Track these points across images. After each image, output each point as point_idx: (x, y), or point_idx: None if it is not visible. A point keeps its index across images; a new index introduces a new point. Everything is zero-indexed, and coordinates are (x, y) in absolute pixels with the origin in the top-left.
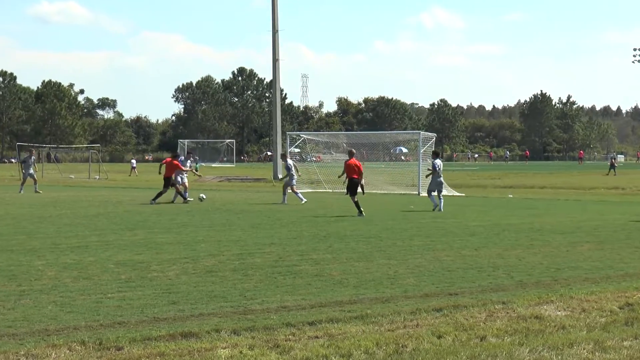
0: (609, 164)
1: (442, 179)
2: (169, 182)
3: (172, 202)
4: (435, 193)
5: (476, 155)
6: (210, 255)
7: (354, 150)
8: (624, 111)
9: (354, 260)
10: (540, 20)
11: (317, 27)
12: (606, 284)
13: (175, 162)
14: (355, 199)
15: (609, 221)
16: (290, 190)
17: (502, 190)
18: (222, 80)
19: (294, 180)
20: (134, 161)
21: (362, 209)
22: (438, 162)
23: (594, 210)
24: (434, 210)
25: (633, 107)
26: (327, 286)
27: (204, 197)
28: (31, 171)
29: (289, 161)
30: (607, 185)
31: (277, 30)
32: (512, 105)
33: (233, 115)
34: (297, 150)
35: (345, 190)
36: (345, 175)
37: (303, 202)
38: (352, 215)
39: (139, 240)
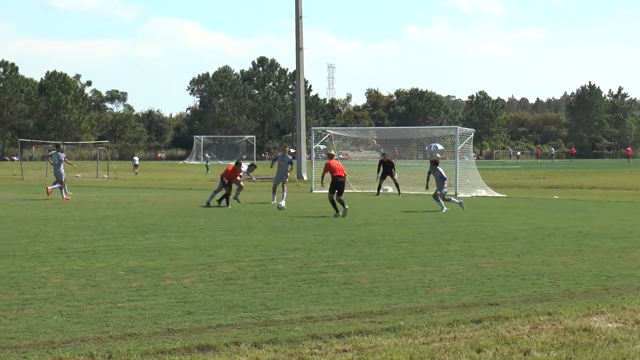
0: None
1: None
2: (230, 185)
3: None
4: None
5: (519, 153)
6: (229, 262)
7: (334, 153)
8: None
9: (385, 267)
10: (587, 3)
11: (344, 13)
12: None
13: (236, 170)
14: (336, 198)
15: None
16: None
17: (546, 191)
18: (241, 71)
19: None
20: (136, 158)
21: (338, 210)
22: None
23: None
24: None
25: None
26: (356, 295)
27: (283, 205)
28: (61, 169)
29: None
30: None
31: (301, 17)
32: (558, 98)
33: (253, 109)
34: (322, 147)
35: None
36: (328, 175)
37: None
38: (384, 218)
39: (152, 244)
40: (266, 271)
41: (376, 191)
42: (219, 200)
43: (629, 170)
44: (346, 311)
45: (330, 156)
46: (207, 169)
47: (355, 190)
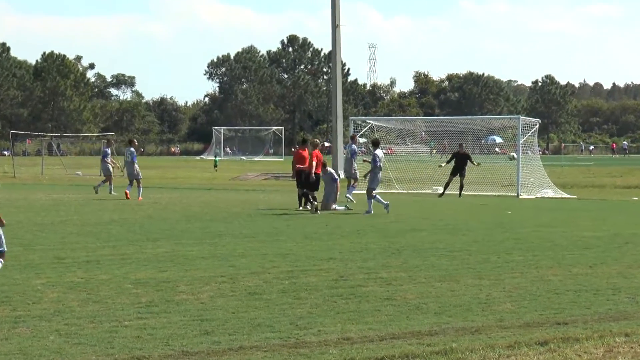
0: None
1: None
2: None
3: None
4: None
5: (591, 147)
6: (253, 273)
7: (316, 141)
8: None
9: (435, 280)
10: None
11: None
12: None
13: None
14: (306, 193)
15: None
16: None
17: (624, 192)
18: (268, 52)
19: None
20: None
21: (303, 205)
22: (379, 153)
23: None
24: (385, 209)
25: None
26: (400, 313)
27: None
28: (109, 166)
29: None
30: None
31: None
32: (638, 82)
33: (282, 96)
34: (362, 140)
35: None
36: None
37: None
38: (434, 223)
39: (164, 253)
40: (296, 284)
41: (442, 190)
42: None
43: None
44: (389, 331)
45: (304, 143)
46: (216, 166)
47: (401, 191)
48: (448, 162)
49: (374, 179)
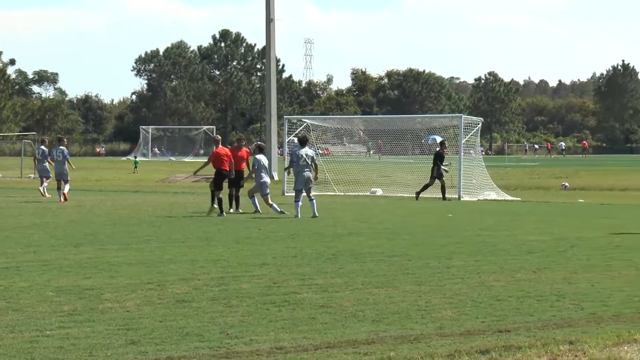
0: None
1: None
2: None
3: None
4: (304, 193)
5: (537, 147)
6: (182, 280)
7: (219, 138)
8: None
9: (373, 286)
10: None
11: None
12: None
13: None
14: (219, 195)
15: None
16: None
17: (570, 194)
18: (199, 47)
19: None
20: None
21: (215, 207)
22: (304, 152)
23: None
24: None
25: None
26: (336, 320)
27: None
28: (46, 165)
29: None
30: None
31: None
32: (585, 80)
33: (213, 93)
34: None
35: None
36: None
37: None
38: (373, 226)
39: (88, 259)
40: (227, 291)
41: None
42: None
43: None
44: (324, 340)
45: (216, 142)
46: (136, 167)
47: (338, 193)
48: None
49: (297, 179)
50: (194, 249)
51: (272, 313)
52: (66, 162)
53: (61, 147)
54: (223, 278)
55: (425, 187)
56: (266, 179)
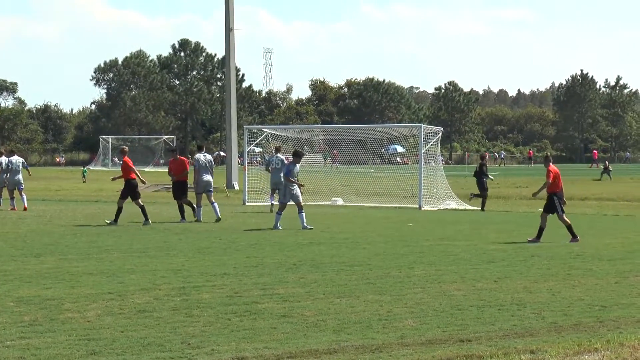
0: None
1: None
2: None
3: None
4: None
5: (502, 155)
6: (143, 290)
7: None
8: None
9: (334, 295)
10: None
11: None
12: None
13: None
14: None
15: None
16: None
17: (530, 203)
18: (158, 57)
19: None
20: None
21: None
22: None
23: None
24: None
25: None
26: (298, 330)
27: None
28: (18, 177)
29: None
30: None
31: None
32: (544, 90)
33: (173, 103)
34: (258, 149)
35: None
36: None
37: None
38: (333, 236)
39: (48, 269)
40: (189, 301)
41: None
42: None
43: (629, 178)
44: (286, 350)
45: (174, 153)
46: (84, 176)
47: (292, 202)
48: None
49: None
50: (155, 259)
51: (233, 323)
52: (21, 171)
53: (16, 157)
54: (184, 288)
55: (484, 200)
56: (208, 178)
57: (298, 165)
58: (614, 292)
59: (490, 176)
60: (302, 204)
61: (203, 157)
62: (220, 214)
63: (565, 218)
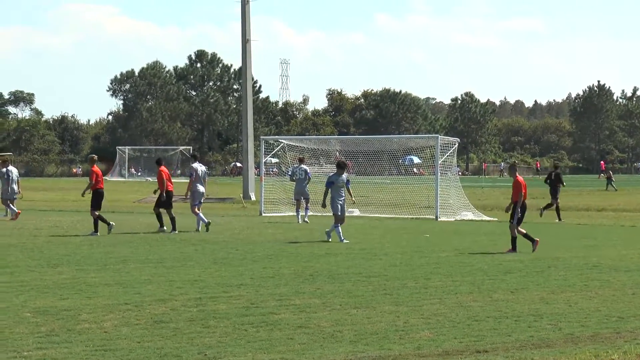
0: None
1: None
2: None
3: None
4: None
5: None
6: (160, 301)
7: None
8: None
9: (351, 306)
10: None
11: None
12: None
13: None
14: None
15: None
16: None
17: (546, 214)
18: (175, 68)
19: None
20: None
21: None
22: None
23: None
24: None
25: None
26: (314, 341)
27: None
28: (15, 187)
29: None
30: None
31: (249, 1)
32: (560, 100)
33: (189, 114)
34: (274, 160)
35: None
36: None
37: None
38: (350, 247)
39: (65, 280)
40: (205, 312)
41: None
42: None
43: None
44: None
45: (159, 162)
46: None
47: (316, 213)
48: (546, 181)
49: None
50: (172, 270)
51: (250, 334)
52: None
53: (11, 167)
54: (201, 299)
55: (557, 209)
56: (203, 189)
57: (344, 176)
58: (631, 303)
59: (563, 183)
60: (341, 217)
61: (200, 167)
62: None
63: (517, 229)
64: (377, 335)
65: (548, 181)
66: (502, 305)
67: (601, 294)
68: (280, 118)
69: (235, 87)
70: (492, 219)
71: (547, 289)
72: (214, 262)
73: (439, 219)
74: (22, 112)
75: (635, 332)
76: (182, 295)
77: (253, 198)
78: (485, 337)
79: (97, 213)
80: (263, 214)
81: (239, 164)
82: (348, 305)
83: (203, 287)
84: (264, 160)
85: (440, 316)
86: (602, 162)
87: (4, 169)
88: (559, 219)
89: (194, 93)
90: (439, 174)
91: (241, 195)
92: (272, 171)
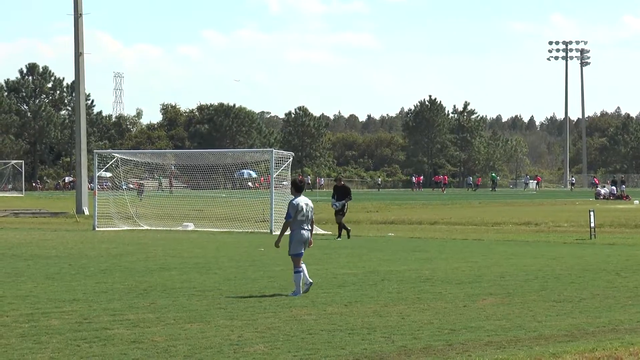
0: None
1: None
2: None
3: None
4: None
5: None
6: None
7: None
8: (537, 123)
9: (185, 321)
10: (426, 2)
11: (129, 11)
12: (515, 349)
13: None
14: None
15: (519, 267)
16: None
17: (380, 227)
18: (6, 81)
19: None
20: None
21: None
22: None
23: (499, 253)
24: None
25: (549, 117)
26: (148, 356)
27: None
28: None
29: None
30: (517, 221)
31: (81, 14)
32: (394, 115)
33: (21, 127)
34: (108, 174)
35: None
36: None
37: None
38: (184, 261)
39: None
40: (37, 328)
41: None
42: None
43: (477, 202)
44: None
45: None
46: None
47: (147, 227)
48: (333, 197)
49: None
50: (3, 285)
51: (82, 349)
52: None
53: None
54: (32, 314)
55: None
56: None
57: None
58: (463, 315)
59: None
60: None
61: None
62: None
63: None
64: (211, 349)
65: (335, 196)
66: (336, 319)
67: (433, 307)
68: (114, 132)
69: (67, 100)
70: (326, 232)
71: (381, 302)
72: (47, 277)
73: (273, 233)
74: None
75: (466, 344)
76: (14, 311)
77: (86, 212)
78: (319, 350)
79: None
80: (97, 229)
81: (70, 179)
82: (182, 320)
83: (35, 303)
84: (97, 174)
85: (275, 330)
86: (438, 177)
87: None
88: (341, 236)
89: (25, 106)
90: (274, 187)
91: (74, 209)
92: (106, 185)
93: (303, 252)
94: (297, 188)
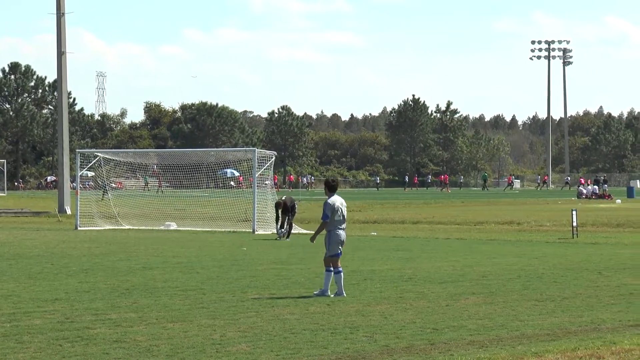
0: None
1: None
2: None
3: None
4: None
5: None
6: None
7: None
8: (520, 122)
9: (167, 320)
10: (409, 2)
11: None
12: (497, 348)
13: None
14: None
15: (502, 266)
16: None
17: (363, 227)
18: None
19: None
20: None
21: None
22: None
23: (482, 252)
24: None
25: (532, 117)
26: (130, 355)
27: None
28: None
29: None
30: (499, 220)
31: (64, 13)
32: (376, 114)
33: (3, 126)
34: (90, 174)
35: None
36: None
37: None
38: (166, 260)
39: None
40: (19, 327)
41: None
42: None
43: (460, 202)
44: None
45: None
46: None
47: (129, 227)
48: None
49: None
50: None
51: (65, 349)
52: None
53: None
54: (14, 314)
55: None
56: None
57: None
58: (445, 314)
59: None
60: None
61: None
62: None
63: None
64: (193, 349)
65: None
66: (318, 318)
67: (416, 306)
68: (97, 131)
69: (49, 99)
70: (309, 231)
71: (363, 301)
72: (29, 277)
73: (256, 232)
74: None
75: (449, 343)
76: None
77: (69, 212)
78: (301, 349)
79: None
80: (79, 228)
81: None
82: (164, 319)
83: (17, 302)
84: (79, 174)
85: (257, 329)
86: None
87: None
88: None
89: (8, 105)
90: (256, 187)
91: (56, 209)
92: (88, 185)
93: (341, 253)
94: (331, 187)
